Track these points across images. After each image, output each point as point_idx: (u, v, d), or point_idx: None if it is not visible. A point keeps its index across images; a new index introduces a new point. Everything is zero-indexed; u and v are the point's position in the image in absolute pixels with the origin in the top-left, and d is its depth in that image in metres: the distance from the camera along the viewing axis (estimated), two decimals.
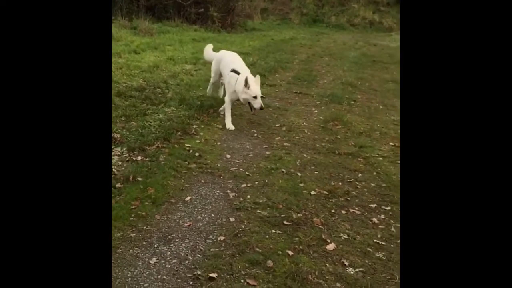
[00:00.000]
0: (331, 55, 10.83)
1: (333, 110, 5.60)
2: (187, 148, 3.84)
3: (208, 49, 5.64)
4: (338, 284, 2.25)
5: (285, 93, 6.41)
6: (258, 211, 2.90)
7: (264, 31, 14.82)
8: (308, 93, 6.46)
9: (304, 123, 4.99)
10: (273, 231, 2.68)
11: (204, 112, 4.90)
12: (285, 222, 2.79)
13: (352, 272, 2.36)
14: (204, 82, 6.21)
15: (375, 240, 2.69)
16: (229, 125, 4.56)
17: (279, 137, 4.43)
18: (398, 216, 3.02)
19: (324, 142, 4.41)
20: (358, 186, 3.46)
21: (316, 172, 3.64)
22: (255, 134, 4.47)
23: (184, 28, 12.08)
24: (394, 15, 20.69)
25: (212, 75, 5.37)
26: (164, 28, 11.46)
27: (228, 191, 3.15)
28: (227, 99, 4.69)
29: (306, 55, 10.42)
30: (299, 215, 2.89)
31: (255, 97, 4.37)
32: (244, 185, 3.26)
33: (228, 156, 3.83)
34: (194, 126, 4.42)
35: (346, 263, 2.44)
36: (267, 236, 2.61)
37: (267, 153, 3.98)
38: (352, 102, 6.15)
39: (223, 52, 5.29)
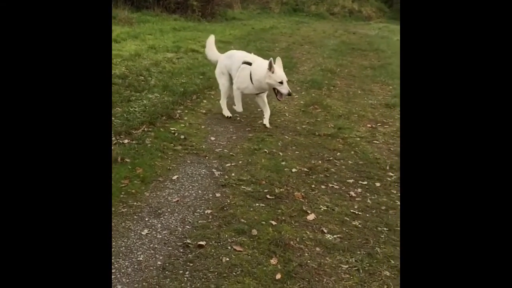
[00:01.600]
0: (311, 43, 11.00)
1: (313, 95, 5.78)
2: (172, 132, 3.97)
3: (212, 45, 4.89)
4: (317, 249, 2.44)
5: None
6: (243, 187, 3.06)
7: (244, 20, 14.88)
8: (289, 79, 6.54)
9: (285, 107, 5.16)
10: (257, 204, 2.85)
11: (187, 98, 5.02)
12: (268, 196, 2.96)
13: (330, 238, 2.55)
14: (186, 70, 6.31)
15: (352, 211, 2.89)
16: (239, 108, 4.48)
17: (261, 121, 4.58)
18: (374, 189, 3.23)
19: (304, 124, 4.59)
20: (337, 164, 3.65)
21: (297, 152, 3.82)
22: (238, 118, 4.62)
23: (163, 18, 12.06)
24: (372, 4, 21.00)
25: (221, 81, 4.60)
26: (144, 18, 11.43)
27: (214, 170, 3.30)
28: (236, 91, 4.41)
29: (286, 43, 10.57)
30: (281, 190, 3.07)
31: (281, 82, 4.03)
32: (229, 164, 3.42)
33: (213, 138, 3.97)
34: (178, 111, 4.54)
35: (325, 231, 2.62)
36: (252, 209, 2.78)
37: (250, 135, 4.14)
38: (332, 87, 6.34)
39: (231, 52, 4.79)
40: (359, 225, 2.73)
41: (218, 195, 2.93)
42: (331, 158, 3.76)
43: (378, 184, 3.32)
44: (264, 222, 2.63)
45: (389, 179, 3.44)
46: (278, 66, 4.07)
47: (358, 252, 2.44)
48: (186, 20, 12.55)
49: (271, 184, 3.14)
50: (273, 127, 4.42)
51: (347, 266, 2.31)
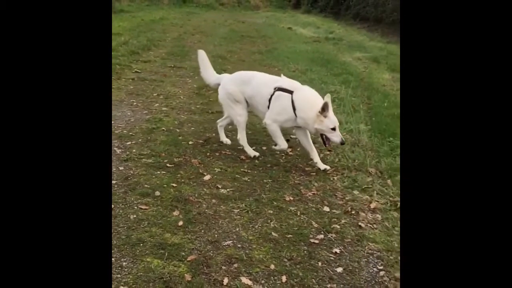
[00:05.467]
0: (202, 32, 11.38)
1: None
2: None
3: (206, 63, 3.91)
4: (213, 200, 2.86)
5: (160, 67, 6.80)
6: (144, 159, 3.36)
7: (133, 13, 14.67)
8: (182, 66, 6.94)
9: (180, 91, 5.49)
10: (158, 172, 3.18)
11: None
12: (168, 165, 3.31)
13: (224, 192, 3.00)
14: None
15: (242, 170, 3.37)
16: (283, 145, 3.48)
17: (158, 104, 4.87)
18: (261, 152, 3.74)
19: (198, 104, 4.98)
20: (229, 135, 4.11)
21: (192, 128, 4.20)
22: (135, 103, 4.84)
23: None
24: None
25: (235, 112, 3.63)
26: None
27: (115, 148, 3.54)
28: (272, 125, 3.44)
29: (178, 33, 10.80)
30: (179, 159, 3.44)
31: (333, 129, 3.23)
32: (129, 143, 3.68)
33: None
34: None
35: (220, 187, 3.06)
36: (154, 176, 3.11)
37: (148, 117, 4.41)
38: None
39: (246, 74, 3.75)
40: (248, 180, 3.21)
41: (121, 168, 3.19)
42: None
43: (264, 148, 3.85)
44: (166, 185, 2.98)
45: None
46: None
47: (247, 199, 2.91)
48: None
49: (170, 155, 3.49)
50: (169, 108, 4.74)
51: (238, 210, 2.77)
